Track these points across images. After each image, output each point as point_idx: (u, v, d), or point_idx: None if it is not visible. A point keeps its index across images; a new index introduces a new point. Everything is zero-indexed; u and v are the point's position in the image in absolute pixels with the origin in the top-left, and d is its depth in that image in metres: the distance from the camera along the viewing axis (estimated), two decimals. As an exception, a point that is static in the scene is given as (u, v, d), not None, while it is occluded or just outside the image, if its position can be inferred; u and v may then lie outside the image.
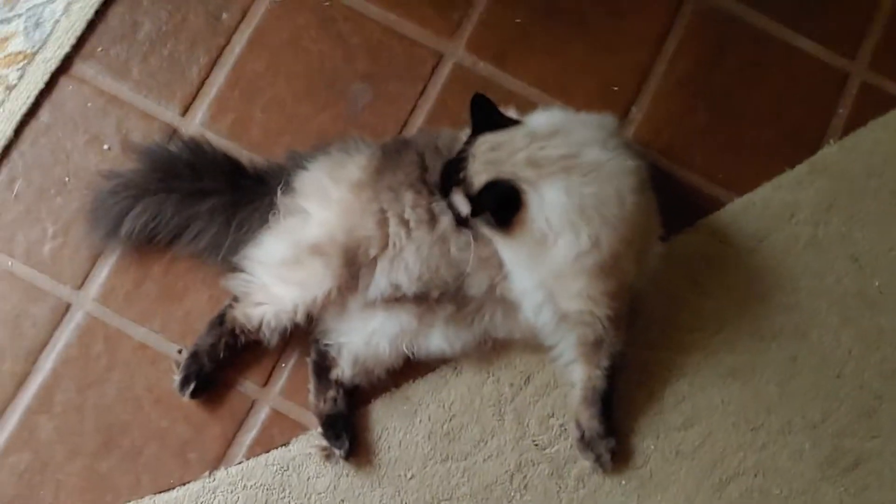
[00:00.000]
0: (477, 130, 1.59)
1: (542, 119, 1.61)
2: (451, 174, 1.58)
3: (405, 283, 1.61)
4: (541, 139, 1.55)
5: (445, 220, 1.61)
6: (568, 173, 1.52)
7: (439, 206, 1.61)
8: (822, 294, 1.80)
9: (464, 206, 1.56)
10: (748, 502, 1.70)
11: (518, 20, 1.90)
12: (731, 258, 1.81)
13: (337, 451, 1.66)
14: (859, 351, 1.78)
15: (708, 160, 1.86)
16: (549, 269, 1.56)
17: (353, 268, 1.61)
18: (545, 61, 1.89)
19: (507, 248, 1.58)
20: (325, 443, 1.67)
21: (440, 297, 1.63)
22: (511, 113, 1.65)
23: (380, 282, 1.61)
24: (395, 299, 1.63)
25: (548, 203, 1.52)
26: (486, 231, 1.57)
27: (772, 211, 1.83)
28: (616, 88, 1.88)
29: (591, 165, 1.53)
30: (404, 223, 1.60)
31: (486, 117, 1.59)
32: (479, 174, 1.55)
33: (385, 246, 1.61)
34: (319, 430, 1.67)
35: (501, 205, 1.53)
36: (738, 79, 1.90)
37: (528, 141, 1.55)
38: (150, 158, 1.71)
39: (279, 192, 1.66)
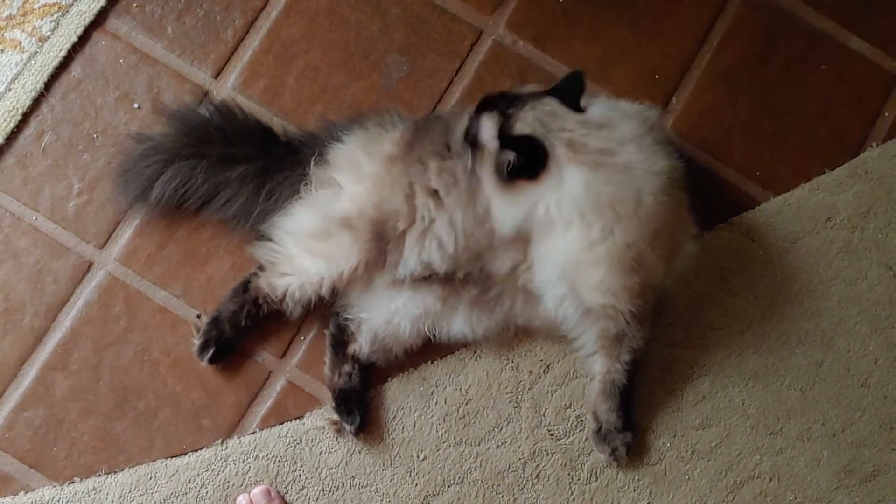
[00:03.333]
0: (552, 93, 1.60)
1: (596, 110, 1.60)
2: (502, 101, 1.58)
3: (437, 261, 1.59)
4: (589, 128, 1.55)
5: (471, 182, 1.58)
6: (596, 169, 1.52)
7: (464, 166, 1.59)
8: (852, 301, 1.77)
9: (488, 133, 1.55)
10: (761, 506, 1.69)
11: (561, 0, 1.86)
12: (762, 258, 1.78)
13: (347, 427, 1.65)
14: (886, 361, 1.75)
15: (746, 157, 1.82)
16: (565, 253, 1.54)
17: (382, 243, 1.59)
18: (587, 44, 1.85)
19: (499, 202, 1.56)
20: (336, 417, 1.66)
21: (466, 277, 1.61)
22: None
23: (410, 260, 1.59)
24: (423, 279, 1.61)
25: (564, 188, 1.52)
26: (484, 169, 1.56)
27: (808, 213, 1.80)
28: (657, 77, 1.84)
29: (621, 167, 1.53)
30: (432, 193, 1.58)
31: (570, 93, 1.59)
32: (527, 123, 1.55)
33: (413, 220, 1.58)
34: (332, 404, 1.67)
35: (530, 161, 1.52)
36: (783, 75, 1.85)
37: (578, 126, 1.55)
38: (181, 122, 1.69)
39: (312, 164, 1.64)
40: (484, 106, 1.59)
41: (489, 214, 1.58)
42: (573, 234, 1.53)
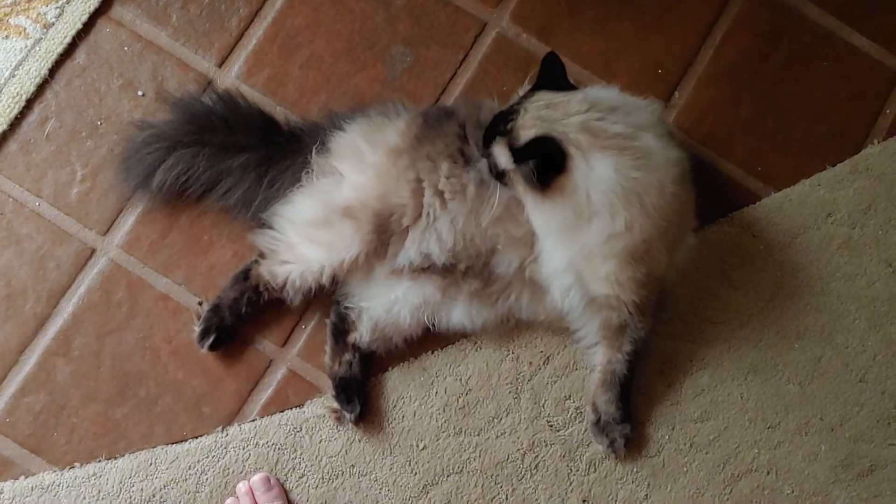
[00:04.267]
0: (538, 87, 1.56)
1: (600, 93, 1.57)
2: (498, 124, 1.54)
3: (436, 253, 1.59)
4: (600, 110, 1.50)
5: (480, 191, 1.58)
6: (621, 153, 1.48)
7: (476, 175, 1.58)
8: (852, 297, 1.77)
9: (504, 159, 1.52)
10: (758, 499, 1.69)
11: (566, -7, 1.87)
12: (762, 253, 1.78)
13: (347, 415, 1.66)
14: (884, 357, 1.76)
15: (748, 152, 1.82)
16: (580, 246, 1.54)
17: (384, 235, 1.59)
18: (590, 38, 1.85)
19: (538, 213, 1.54)
20: (336, 405, 1.67)
21: (467, 270, 1.62)
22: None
23: (409, 250, 1.60)
24: (423, 269, 1.62)
25: (595, 176, 1.47)
26: (521, 191, 1.53)
27: (808, 208, 1.80)
28: (660, 71, 1.85)
29: (643, 151, 1.49)
30: (439, 193, 1.58)
31: (552, 77, 1.56)
32: (527, 128, 1.51)
33: (419, 216, 1.58)
34: (332, 392, 1.67)
35: (546, 161, 1.48)
36: (786, 71, 1.86)
37: (586, 107, 1.50)
38: (183, 110, 1.69)
39: (314, 152, 1.64)
40: (488, 138, 1.55)
41: (491, 225, 1.57)
42: (595, 227, 1.50)
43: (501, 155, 1.53)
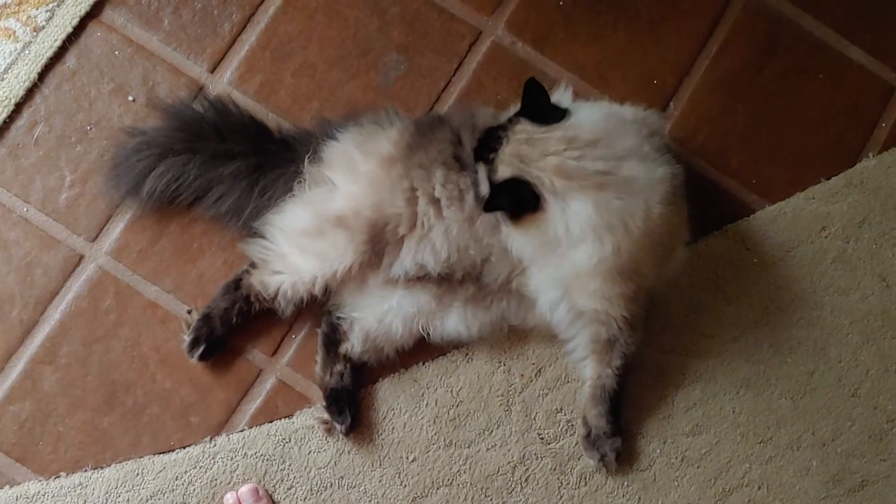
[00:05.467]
0: (523, 113, 1.54)
1: (587, 117, 1.54)
2: (486, 147, 1.54)
3: (431, 263, 1.58)
4: (579, 146, 1.49)
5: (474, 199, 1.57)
6: (600, 189, 1.48)
7: (471, 181, 1.57)
8: (845, 311, 1.77)
9: (484, 185, 1.53)
10: (749, 514, 1.69)
11: (561, 2, 1.85)
12: (756, 266, 1.77)
13: (338, 426, 1.64)
14: (877, 372, 1.75)
15: (742, 164, 1.82)
16: (565, 267, 1.53)
17: (379, 245, 1.58)
18: (586, 48, 1.84)
19: (515, 238, 1.54)
20: (326, 416, 1.65)
21: (463, 278, 1.61)
22: (567, 93, 1.61)
23: (405, 260, 1.58)
24: (418, 279, 1.61)
25: (572, 214, 1.48)
26: (499, 216, 1.54)
27: (803, 222, 1.80)
28: (656, 82, 1.84)
29: (625, 181, 1.48)
30: (434, 202, 1.57)
31: (535, 103, 1.54)
32: (505, 164, 1.51)
33: (413, 225, 1.57)
34: (322, 403, 1.66)
35: (516, 204, 1.49)
36: (781, 83, 1.85)
37: (563, 146, 1.49)
38: (175, 117, 1.67)
39: (306, 161, 1.63)
40: (477, 155, 1.55)
41: (486, 233, 1.57)
42: (582, 252, 1.50)
43: (483, 180, 1.53)
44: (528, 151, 1.50)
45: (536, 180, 1.49)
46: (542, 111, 1.53)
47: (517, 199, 1.49)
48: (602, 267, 1.51)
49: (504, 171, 1.51)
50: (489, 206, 1.51)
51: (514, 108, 1.58)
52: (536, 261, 1.56)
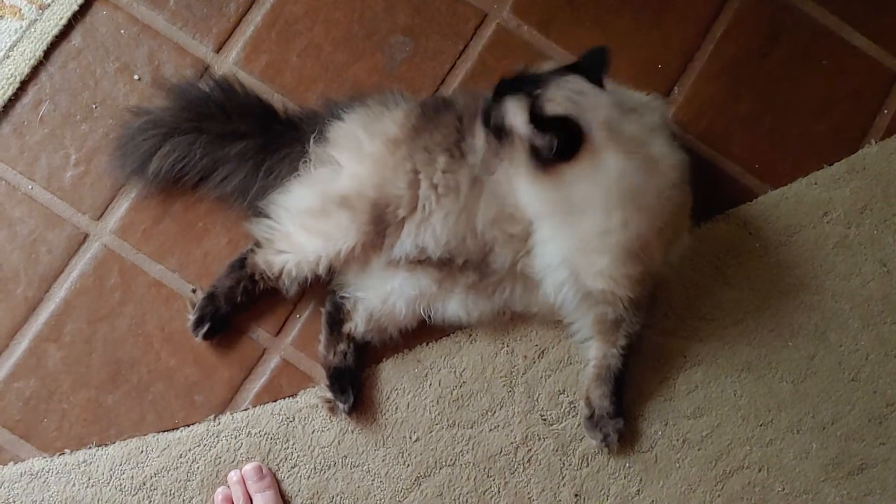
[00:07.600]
0: (576, 69, 1.54)
1: (624, 93, 1.56)
2: (524, 83, 1.52)
3: (431, 247, 1.58)
4: (622, 110, 1.50)
5: (473, 191, 1.57)
6: (630, 155, 1.48)
7: (469, 173, 1.56)
8: (846, 296, 1.78)
9: (519, 119, 1.49)
10: (749, 496, 1.69)
11: (566, -14, 1.86)
12: (758, 251, 1.78)
13: (341, 406, 1.65)
14: (877, 356, 1.76)
15: (745, 149, 1.82)
16: (573, 237, 1.53)
17: (381, 225, 1.58)
18: (590, 31, 1.84)
19: (531, 189, 1.52)
20: (329, 395, 1.66)
21: (464, 264, 1.61)
22: None
23: (405, 242, 1.59)
24: (419, 261, 1.61)
25: (600, 172, 1.47)
26: (516, 160, 1.51)
27: (805, 207, 1.80)
28: (660, 66, 1.84)
29: (651, 157, 1.50)
30: (434, 187, 1.57)
31: (592, 69, 1.53)
32: (556, 103, 1.49)
33: (414, 208, 1.58)
34: (326, 382, 1.66)
35: (567, 143, 1.46)
36: (785, 69, 1.85)
37: (610, 107, 1.50)
38: (180, 97, 1.67)
39: (312, 141, 1.63)
40: (503, 89, 1.53)
41: (486, 227, 1.56)
42: (589, 220, 1.50)
43: (517, 114, 1.50)
44: (580, 99, 1.50)
45: (586, 126, 1.47)
46: (596, 77, 1.53)
47: (571, 139, 1.47)
48: (609, 241, 1.51)
49: (555, 108, 1.49)
50: (540, 127, 1.47)
51: (554, 64, 1.58)
52: (543, 223, 1.54)
